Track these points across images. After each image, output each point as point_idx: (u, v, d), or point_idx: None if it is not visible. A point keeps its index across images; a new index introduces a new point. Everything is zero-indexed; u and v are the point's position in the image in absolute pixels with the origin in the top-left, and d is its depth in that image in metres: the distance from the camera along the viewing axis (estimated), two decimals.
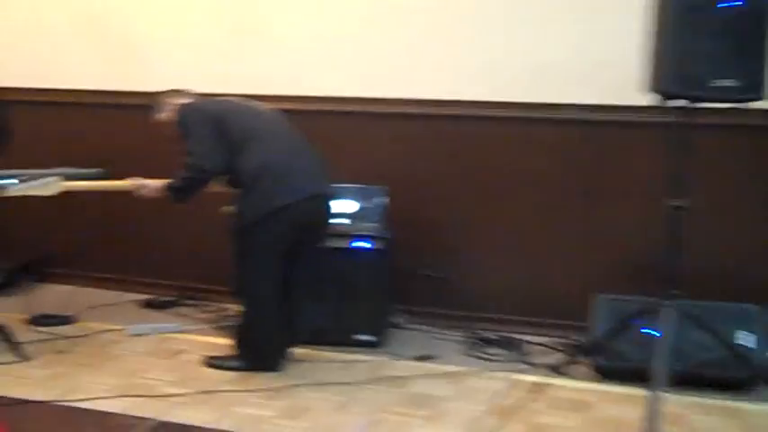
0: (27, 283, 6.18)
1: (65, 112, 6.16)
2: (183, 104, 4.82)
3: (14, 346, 4.87)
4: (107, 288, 6.16)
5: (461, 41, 5.41)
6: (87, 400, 4.29)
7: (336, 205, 4.98)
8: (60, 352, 4.94)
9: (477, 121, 5.43)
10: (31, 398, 4.30)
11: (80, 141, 6.04)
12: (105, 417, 4.13)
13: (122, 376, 4.63)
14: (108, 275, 6.20)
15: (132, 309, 5.84)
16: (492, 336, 5.28)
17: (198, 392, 4.41)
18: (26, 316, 5.42)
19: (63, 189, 4.70)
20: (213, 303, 5.82)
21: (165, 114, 4.87)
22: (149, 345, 5.12)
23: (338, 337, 5.09)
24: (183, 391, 4.43)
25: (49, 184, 4.67)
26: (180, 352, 5.01)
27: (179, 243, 6.01)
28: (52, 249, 6.27)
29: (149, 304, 5.89)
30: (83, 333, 5.27)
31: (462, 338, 5.28)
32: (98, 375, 4.64)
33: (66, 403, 4.26)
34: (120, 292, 6.10)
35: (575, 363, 4.80)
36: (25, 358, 4.81)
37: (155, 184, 4.78)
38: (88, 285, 6.21)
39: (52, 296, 5.92)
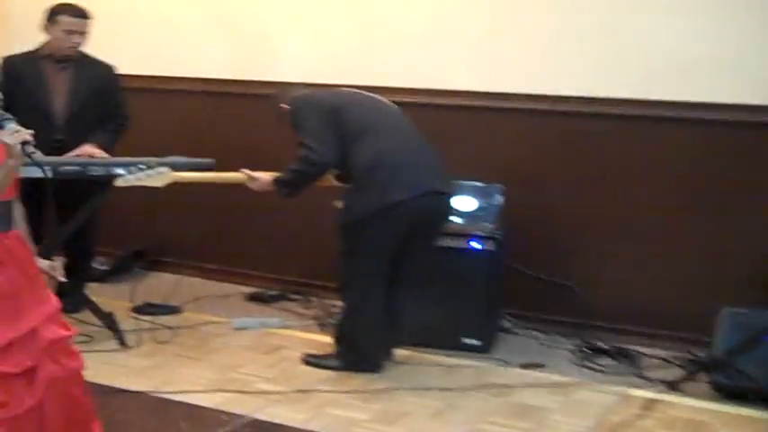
0: (136, 271, 6.20)
1: (189, 101, 6.15)
2: (297, 96, 4.69)
3: (118, 334, 4.85)
4: (215, 279, 6.12)
5: (594, 36, 5.12)
6: (182, 392, 4.22)
7: (454, 203, 4.78)
8: (162, 342, 4.90)
9: (607, 119, 5.15)
10: (127, 387, 4.26)
11: (201, 130, 6.01)
12: (198, 411, 4.05)
13: (220, 370, 4.55)
14: (216, 266, 6.16)
15: (238, 301, 5.77)
16: (605, 346, 4.98)
17: (293, 391, 4.29)
18: (132, 304, 5.41)
19: (172, 180, 4.65)
20: (319, 299, 5.70)
21: (282, 105, 4.76)
22: (251, 339, 5.03)
23: (443, 340, 4.90)
24: (278, 388, 4.32)
25: (158, 176, 4.62)
26: (280, 348, 4.90)
27: (288, 236, 5.92)
28: (163, 238, 6.27)
29: (255, 297, 5.81)
30: (186, 324, 5.22)
31: (573, 347, 5.02)
32: (196, 368, 4.57)
33: (160, 395, 4.20)
34: (227, 284, 6.05)
35: (693, 379, 4.47)
36: (127, 347, 4.79)
37: (265, 177, 4.67)
38: (196, 276, 6.18)
39: (160, 285, 5.90)
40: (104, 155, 4.91)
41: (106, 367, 4.47)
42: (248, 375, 4.49)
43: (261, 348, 4.89)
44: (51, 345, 2.95)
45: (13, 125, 2.85)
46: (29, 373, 2.91)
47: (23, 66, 5.07)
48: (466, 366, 4.70)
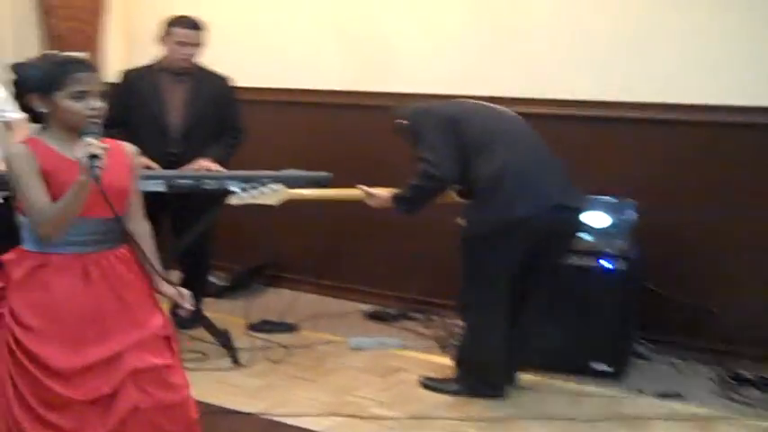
0: (255, 287, 6.07)
1: (306, 113, 6.01)
2: (415, 108, 4.47)
3: (232, 352, 4.72)
4: (333, 296, 5.96)
5: (732, 43, 4.75)
6: (294, 416, 4.04)
7: (584, 219, 4.47)
8: (276, 361, 4.74)
9: (746, 129, 4.75)
10: (238, 408, 4.10)
11: (318, 143, 5.86)
12: None
13: (334, 393, 4.35)
14: (335, 283, 5.99)
15: (356, 320, 5.58)
16: (749, 375, 4.57)
17: (408, 417, 4.07)
18: (248, 321, 5.28)
19: (287, 198, 4.49)
20: (440, 318, 5.45)
21: (400, 120, 4.54)
22: (367, 360, 4.83)
23: (571, 365, 4.60)
24: (393, 413, 4.10)
25: (272, 194, 4.47)
26: (398, 370, 4.68)
27: (409, 253, 5.68)
28: (282, 254, 6.13)
29: (374, 316, 5.61)
30: (302, 343, 5.06)
31: (714, 376, 4.62)
32: (310, 390, 4.39)
33: (271, 417, 4.03)
34: (345, 302, 5.87)
35: None
36: (240, 365, 4.65)
37: (383, 194, 4.47)
38: (315, 292, 6.02)
39: (277, 302, 5.75)
40: (219, 169, 4.80)
41: (218, 386, 4.34)
42: (363, 399, 4.28)
43: (377, 370, 4.68)
44: (137, 373, 2.79)
45: (89, 138, 2.69)
46: (105, 401, 2.75)
47: (140, 79, 5.02)
48: (596, 395, 4.38)
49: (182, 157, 4.88)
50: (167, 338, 2.95)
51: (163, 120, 4.94)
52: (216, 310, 5.32)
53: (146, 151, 4.77)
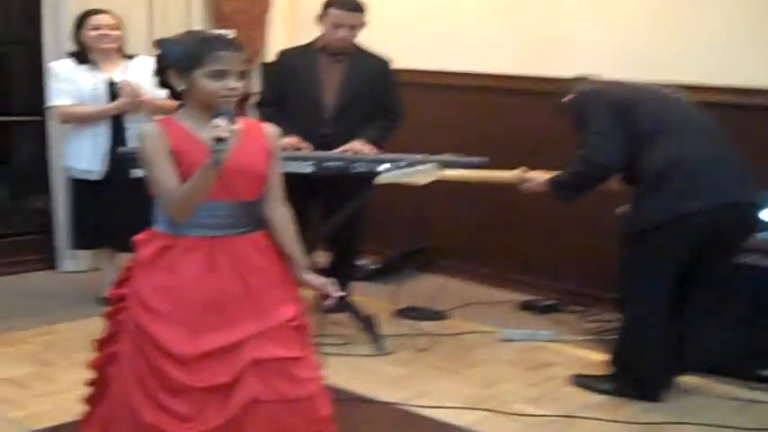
0: (406, 272, 5.93)
1: (469, 97, 5.78)
2: (585, 89, 4.19)
3: (376, 338, 4.58)
4: (486, 285, 5.73)
5: None
6: (434, 407, 3.85)
7: (762, 216, 4.10)
8: (421, 350, 4.57)
9: None
10: (376, 397, 3.95)
11: (479, 127, 5.64)
12: (447, 429, 3.67)
13: (478, 385, 4.15)
14: (489, 271, 5.76)
15: (508, 310, 5.34)
16: None
17: (554, 415, 3.81)
18: (396, 307, 5.14)
19: (437, 178, 4.32)
20: (597, 312, 5.15)
21: (566, 98, 4.27)
22: (516, 352, 4.60)
23: (739, 370, 4.23)
24: (538, 411, 3.86)
25: (422, 173, 4.29)
26: (548, 365, 4.43)
27: (567, 241, 5.40)
28: (435, 239, 5.96)
29: (527, 306, 5.35)
30: (449, 331, 4.87)
31: None
32: (453, 381, 4.20)
33: (410, 408, 3.86)
34: (499, 290, 5.64)
35: None
36: (383, 352, 4.50)
37: (540, 177, 4.24)
38: (468, 280, 5.82)
39: (428, 288, 5.57)
40: (372, 151, 4.66)
41: (357, 373, 4.21)
42: (508, 393, 4.06)
43: (526, 363, 4.44)
44: (259, 364, 2.66)
45: (219, 120, 2.58)
46: (224, 390, 2.64)
47: (297, 58, 4.91)
48: (765, 402, 4.00)
49: (334, 139, 4.75)
50: (298, 329, 2.80)
51: (317, 100, 4.82)
52: (364, 294, 5.22)
53: (298, 131, 4.74)
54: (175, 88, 2.74)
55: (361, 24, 4.80)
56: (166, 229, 2.72)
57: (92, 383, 2.84)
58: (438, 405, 3.87)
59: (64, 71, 4.82)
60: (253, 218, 2.78)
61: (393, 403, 3.89)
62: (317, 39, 4.89)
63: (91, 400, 2.84)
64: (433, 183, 4.36)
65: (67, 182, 5.04)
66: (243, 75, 2.73)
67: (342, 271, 5.11)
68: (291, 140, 4.66)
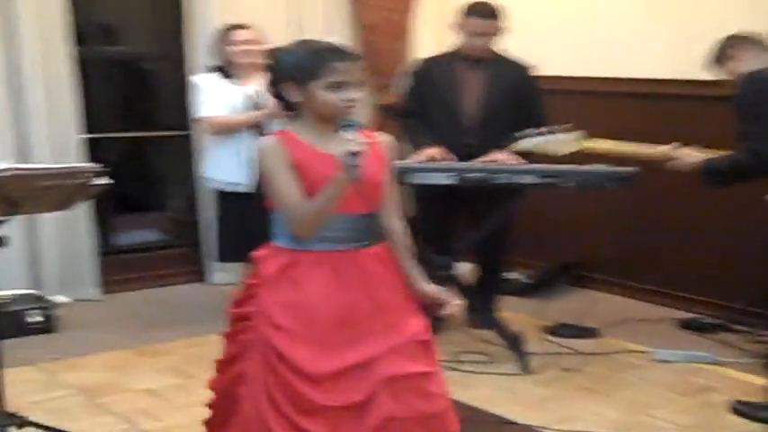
0: (560, 287, 5.70)
1: (618, 103, 5.48)
2: (760, 71, 3.86)
3: (521, 356, 4.40)
4: (645, 301, 5.43)
5: None
6: None
7: None
8: (568, 370, 4.35)
9: None
10: (516, 419, 3.77)
11: (629, 135, 5.35)
12: None
13: (627, 409, 3.90)
14: (648, 287, 5.45)
15: (666, 328, 5.03)
16: None
17: None
18: (546, 323, 4.93)
19: (579, 148, 4.15)
20: (766, 333, 4.78)
21: (740, 81, 3.91)
22: (672, 375, 4.31)
23: None
24: None
25: (564, 142, 4.14)
26: (706, 389, 4.13)
27: (737, 256, 5.00)
28: (591, 252, 5.70)
29: (688, 325, 5.02)
30: (600, 350, 4.62)
31: None
32: (600, 404, 3.96)
33: (547, 431, 3.66)
34: (658, 307, 5.33)
35: None
36: (528, 372, 4.31)
37: (691, 156, 3.98)
38: (625, 295, 5.54)
39: (581, 304, 5.33)
40: (516, 161, 4.48)
41: (500, 394, 4.05)
42: (660, 420, 3.79)
43: (682, 387, 4.15)
44: (393, 380, 2.56)
45: (349, 133, 2.49)
46: (358, 408, 2.54)
47: (437, 67, 4.80)
48: None
49: (477, 149, 4.61)
50: (425, 343, 2.69)
51: (458, 109, 4.69)
52: (513, 310, 5.07)
53: (441, 141, 4.63)
54: (288, 99, 2.66)
55: (499, 31, 4.65)
56: (289, 244, 2.64)
57: (213, 405, 2.77)
58: (582, 430, 3.66)
59: (209, 84, 4.87)
60: (374, 230, 2.68)
61: (535, 427, 3.70)
62: (457, 47, 4.77)
63: (214, 423, 2.77)
64: (588, 194, 4.16)
65: (213, 194, 5.10)
66: (361, 84, 2.64)
67: (488, 285, 4.98)
68: (434, 151, 4.55)
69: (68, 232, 5.23)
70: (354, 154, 2.45)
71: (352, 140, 2.47)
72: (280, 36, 5.63)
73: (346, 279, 2.61)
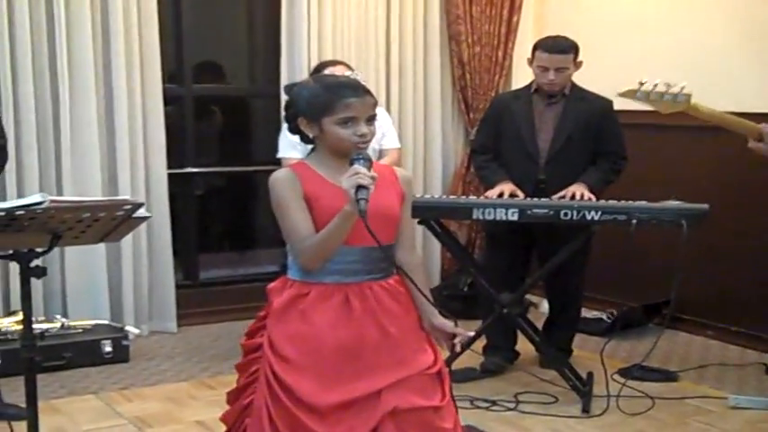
0: (646, 328, 5.48)
1: (703, 138, 5.23)
2: None
3: (584, 397, 4.24)
4: (733, 344, 5.18)
5: None
6: None
7: None
8: (632, 414, 4.15)
9: None
10: None
11: (714, 172, 5.15)
12: None
13: None
14: (736, 329, 5.18)
15: (753, 373, 4.76)
16: None
17: None
18: (622, 365, 4.74)
19: (683, 110, 4.02)
20: None
21: None
22: (744, 423, 4.06)
23: None
24: None
25: (668, 102, 3.98)
26: None
27: None
28: (682, 292, 5.42)
29: None
30: (673, 395, 4.40)
31: None
32: None
33: None
34: (746, 350, 5.07)
35: None
36: (589, 414, 4.15)
37: None
38: (718, 339, 5.28)
39: (666, 346, 5.07)
40: (589, 196, 4.35)
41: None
42: None
43: None
44: (398, 414, 2.52)
45: (357, 166, 2.49)
46: None
47: (512, 102, 4.73)
48: None
49: (550, 185, 4.50)
50: (437, 377, 2.66)
51: (532, 145, 4.59)
52: (590, 350, 4.93)
53: (513, 177, 4.54)
54: (305, 134, 2.68)
55: (572, 66, 4.53)
56: (299, 276, 2.65)
57: None
58: None
59: None
60: (386, 263, 2.66)
61: None
62: (533, 81, 4.69)
63: None
64: (674, 232, 3.98)
65: None
66: (373, 119, 2.63)
67: (559, 323, 4.83)
68: (504, 188, 4.47)
69: (150, 264, 5.37)
70: (362, 187, 2.44)
71: (360, 174, 2.46)
72: (375, 72, 5.73)
73: (355, 311, 2.59)
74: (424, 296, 2.68)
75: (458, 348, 2.74)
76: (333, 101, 2.58)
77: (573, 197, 4.35)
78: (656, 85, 3.98)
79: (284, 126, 4.82)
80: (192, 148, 5.75)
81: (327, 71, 4.88)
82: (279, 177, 2.65)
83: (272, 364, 2.58)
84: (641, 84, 4.01)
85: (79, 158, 5.07)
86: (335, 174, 2.58)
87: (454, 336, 2.68)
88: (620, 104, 4.55)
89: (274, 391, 2.56)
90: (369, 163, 2.53)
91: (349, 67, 4.89)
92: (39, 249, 3.18)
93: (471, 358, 4.63)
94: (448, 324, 2.69)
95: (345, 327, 2.57)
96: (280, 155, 4.80)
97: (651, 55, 5.51)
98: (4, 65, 4.84)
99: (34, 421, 3.18)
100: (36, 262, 3.16)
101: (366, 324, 2.59)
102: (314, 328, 2.58)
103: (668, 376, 4.66)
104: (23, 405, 3.59)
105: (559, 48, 4.48)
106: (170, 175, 5.40)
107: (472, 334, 2.75)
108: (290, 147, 4.61)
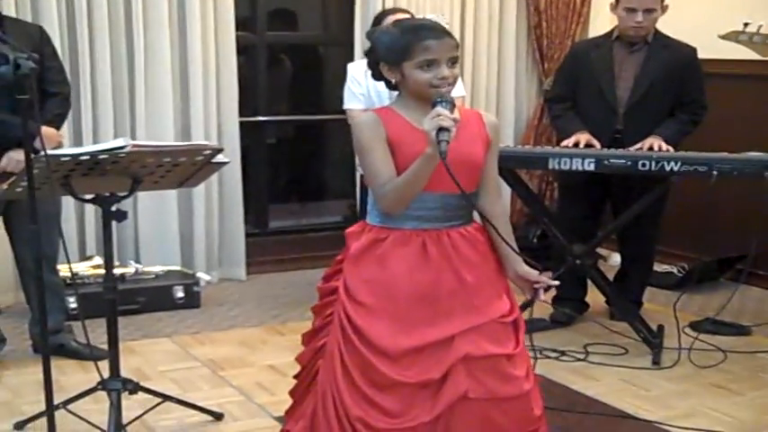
0: (720, 282, 5.43)
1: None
2: None
3: (655, 350, 4.21)
4: None
5: None
6: (693, 430, 3.45)
7: None
8: (704, 366, 4.11)
9: None
10: (635, 413, 3.62)
11: None
12: None
13: (760, 411, 3.67)
14: None
15: None
16: None
17: None
18: (694, 318, 4.69)
19: None
20: None
21: None
22: None
23: None
24: None
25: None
26: None
27: None
28: (761, 246, 5.34)
29: None
30: (746, 348, 4.37)
31: None
32: (731, 403, 3.74)
33: (669, 428, 3.48)
34: None
35: None
36: (659, 366, 4.13)
37: None
38: None
39: (740, 300, 4.99)
40: (667, 148, 4.27)
41: (625, 387, 3.91)
42: None
43: None
44: (470, 360, 2.54)
45: (439, 108, 2.47)
46: (434, 386, 2.53)
47: (591, 51, 4.62)
48: None
49: (627, 135, 4.43)
50: (511, 325, 2.66)
51: (610, 94, 4.50)
52: (663, 303, 4.91)
53: (590, 127, 4.47)
54: (390, 80, 2.66)
55: (660, 8, 4.41)
56: (378, 221, 2.65)
57: (298, 377, 2.80)
58: (702, 428, 3.46)
59: (359, 74, 4.86)
60: (466, 210, 2.66)
61: (653, 422, 3.54)
62: (614, 28, 4.59)
63: (296, 393, 2.81)
64: (752, 185, 3.92)
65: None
66: (455, 61, 2.60)
67: (631, 276, 4.78)
68: (581, 137, 4.40)
69: (221, 212, 5.43)
70: (443, 130, 2.42)
71: (441, 116, 2.44)
72: (451, 20, 5.64)
73: (432, 257, 2.59)
74: (508, 245, 2.66)
75: (541, 295, 2.70)
76: (411, 44, 2.55)
77: (651, 149, 4.28)
78: (759, 28, 3.87)
79: (349, 76, 4.87)
80: (263, 96, 5.78)
81: (387, 20, 4.86)
82: (363, 120, 2.65)
83: (346, 308, 2.60)
84: (745, 25, 3.90)
85: (153, 105, 5.13)
86: (420, 118, 2.54)
87: (537, 283, 2.68)
88: (702, 53, 4.47)
89: (347, 334, 2.58)
90: (451, 105, 2.50)
91: (411, 15, 4.86)
92: (120, 194, 3.26)
93: (541, 309, 4.61)
94: (533, 273, 2.68)
95: (421, 273, 2.57)
96: (345, 106, 4.79)
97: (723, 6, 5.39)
98: (81, 13, 4.89)
99: (116, 361, 3.27)
100: (116, 206, 3.23)
101: (442, 271, 2.58)
102: (390, 273, 2.58)
103: (741, 330, 4.61)
104: (102, 346, 3.73)
105: None
106: (241, 124, 5.43)
107: (557, 283, 2.71)
108: (353, 97, 4.60)
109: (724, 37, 3.94)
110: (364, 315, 2.57)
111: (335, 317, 2.64)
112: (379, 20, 4.87)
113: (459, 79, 4.93)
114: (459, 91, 4.83)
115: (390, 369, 2.53)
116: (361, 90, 4.63)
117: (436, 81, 2.55)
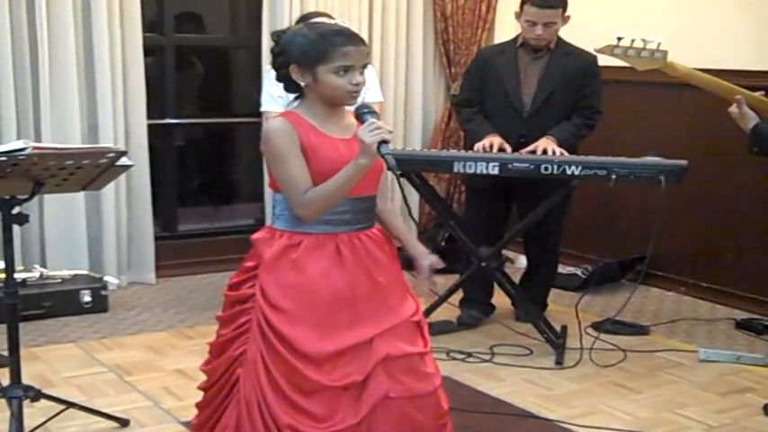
0: (620, 283, 5.57)
1: (690, 95, 5.25)
2: None
3: (558, 350, 4.32)
4: (707, 300, 5.26)
5: None
6: (595, 428, 3.56)
7: None
8: (604, 366, 4.24)
9: None
10: (537, 412, 3.72)
11: (698, 129, 5.19)
12: None
13: (656, 408, 3.79)
14: (711, 286, 5.26)
15: (723, 328, 4.86)
16: None
17: None
18: (596, 319, 4.82)
19: (659, 67, 4.05)
20: None
21: None
22: (712, 375, 4.16)
23: None
24: None
25: (645, 59, 3.99)
26: (744, 390, 3.99)
27: None
28: (657, 248, 5.49)
29: (744, 326, 4.83)
30: (644, 348, 4.50)
31: None
32: (628, 401, 3.86)
33: (570, 427, 3.58)
34: (719, 307, 5.16)
35: None
36: (562, 366, 4.23)
37: (752, 114, 3.81)
38: (688, 294, 5.37)
39: (639, 301, 5.19)
40: (560, 151, 4.38)
41: (527, 386, 4.00)
42: (687, 419, 3.68)
43: (719, 387, 4.00)
44: (389, 360, 2.60)
45: (371, 119, 2.52)
46: (356, 388, 2.58)
47: (497, 56, 4.72)
48: None
49: (531, 139, 4.53)
50: (419, 324, 2.74)
51: (516, 99, 4.60)
52: (565, 304, 5.02)
53: (497, 131, 4.56)
54: (295, 82, 2.66)
55: (561, 20, 4.53)
56: (288, 226, 2.66)
57: (208, 388, 2.76)
58: (602, 426, 3.57)
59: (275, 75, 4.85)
60: (370, 213, 2.72)
61: (554, 421, 3.63)
62: (518, 35, 4.69)
63: (210, 406, 2.75)
64: (662, 188, 4.05)
65: None
66: (366, 68, 2.65)
67: (538, 278, 4.89)
68: (493, 140, 4.48)
69: (129, 215, 5.38)
70: (384, 142, 2.49)
71: (381, 129, 2.50)
72: (356, 24, 5.68)
73: (346, 261, 2.63)
74: (400, 233, 2.79)
75: (425, 270, 2.76)
76: (329, 49, 2.57)
77: (545, 152, 4.39)
78: (633, 42, 4.02)
79: (266, 80, 4.86)
80: (172, 98, 5.74)
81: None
82: (277, 128, 2.63)
83: (266, 315, 2.60)
84: (619, 39, 4.04)
85: (58, 106, 5.05)
86: (325, 123, 2.60)
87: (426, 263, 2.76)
88: (601, 60, 4.59)
89: (269, 341, 2.59)
90: (376, 116, 2.57)
91: (332, 18, 4.88)
92: (21, 196, 3.21)
93: (448, 311, 4.69)
94: (425, 251, 2.78)
95: (338, 276, 2.61)
96: (263, 108, 4.78)
97: (633, 10, 5.54)
98: None
99: (17, 367, 3.23)
100: (17, 209, 3.19)
101: (357, 273, 2.63)
102: (307, 277, 2.61)
103: (640, 330, 4.75)
104: (3, 352, 3.66)
105: (549, 2, 4.46)
106: (150, 126, 5.39)
107: (443, 265, 2.79)
108: (271, 100, 4.58)
109: (599, 51, 4.08)
110: (285, 321, 2.59)
111: (254, 324, 2.63)
112: (299, 23, 4.87)
113: (378, 85, 5.03)
114: (377, 96, 4.90)
115: (315, 373, 2.56)
116: (280, 92, 4.61)
117: (350, 87, 2.59)
